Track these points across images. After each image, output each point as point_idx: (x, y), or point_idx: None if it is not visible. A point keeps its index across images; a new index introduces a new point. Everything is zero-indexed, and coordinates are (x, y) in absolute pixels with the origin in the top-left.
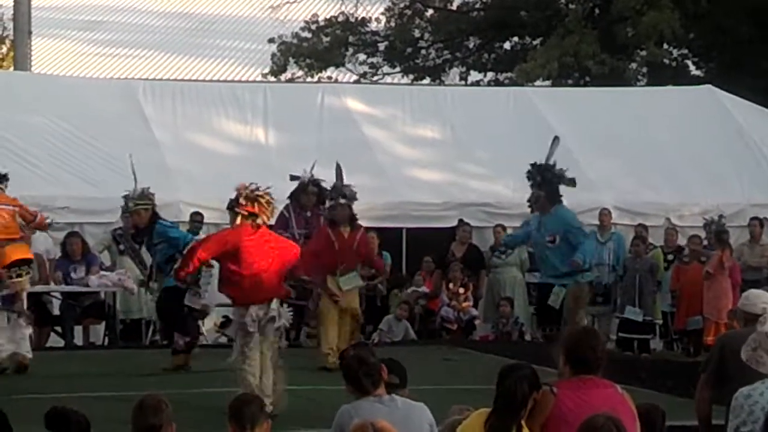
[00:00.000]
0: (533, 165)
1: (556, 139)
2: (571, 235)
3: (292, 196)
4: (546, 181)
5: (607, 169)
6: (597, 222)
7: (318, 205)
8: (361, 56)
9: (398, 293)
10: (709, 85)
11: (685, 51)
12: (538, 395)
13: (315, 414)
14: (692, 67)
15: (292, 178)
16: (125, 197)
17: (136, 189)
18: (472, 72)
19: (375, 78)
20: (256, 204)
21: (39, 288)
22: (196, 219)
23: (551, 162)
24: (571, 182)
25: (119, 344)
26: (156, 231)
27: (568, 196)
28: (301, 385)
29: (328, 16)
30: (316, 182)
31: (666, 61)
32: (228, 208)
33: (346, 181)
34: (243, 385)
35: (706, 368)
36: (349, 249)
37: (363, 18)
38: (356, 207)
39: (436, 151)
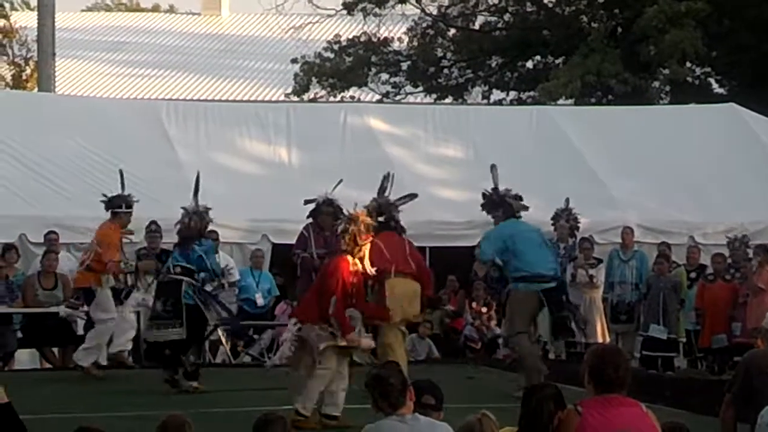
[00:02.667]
0: (494, 190)
1: (493, 167)
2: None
3: (311, 216)
4: (504, 203)
5: (630, 187)
6: (620, 240)
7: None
8: (384, 76)
9: (431, 313)
10: (732, 103)
11: (708, 69)
12: (562, 414)
13: None
14: (715, 85)
15: (306, 202)
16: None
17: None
18: (494, 91)
19: (397, 97)
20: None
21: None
22: (211, 237)
23: (498, 187)
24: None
25: (143, 363)
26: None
27: (593, 215)
28: None
29: (350, 36)
30: (331, 202)
31: (689, 79)
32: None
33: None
34: None
35: (732, 387)
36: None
37: (385, 38)
38: None
39: (458, 170)
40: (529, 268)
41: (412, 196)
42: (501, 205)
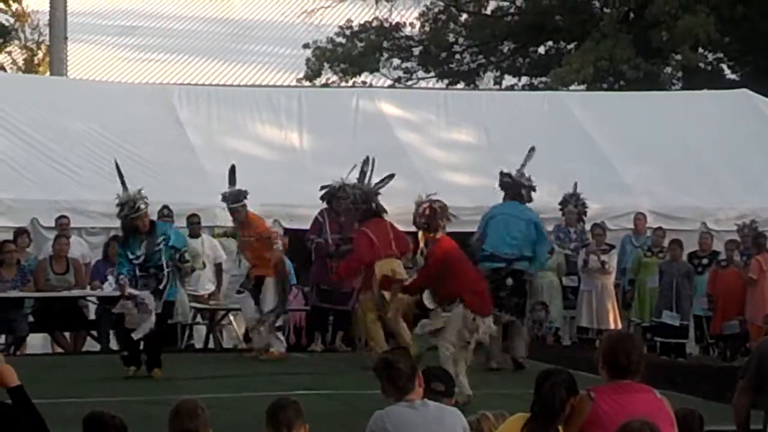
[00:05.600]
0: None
1: (532, 149)
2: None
3: (327, 201)
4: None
5: (643, 173)
6: (632, 226)
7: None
8: (396, 61)
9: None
10: (745, 89)
11: (721, 55)
12: (575, 400)
13: (352, 419)
14: (727, 71)
15: (323, 188)
16: (122, 204)
17: (130, 193)
18: (506, 76)
19: (409, 83)
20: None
21: (75, 292)
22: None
23: (523, 171)
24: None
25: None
26: (157, 230)
27: (605, 201)
28: (338, 390)
29: (362, 22)
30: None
31: (701, 65)
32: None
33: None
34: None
35: (745, 374)
36: None
37: (397, 23)
38: (391, 211)
39: (470, 156)
40: (488, 248)
41: (391, 177)
42: (511, 188)
